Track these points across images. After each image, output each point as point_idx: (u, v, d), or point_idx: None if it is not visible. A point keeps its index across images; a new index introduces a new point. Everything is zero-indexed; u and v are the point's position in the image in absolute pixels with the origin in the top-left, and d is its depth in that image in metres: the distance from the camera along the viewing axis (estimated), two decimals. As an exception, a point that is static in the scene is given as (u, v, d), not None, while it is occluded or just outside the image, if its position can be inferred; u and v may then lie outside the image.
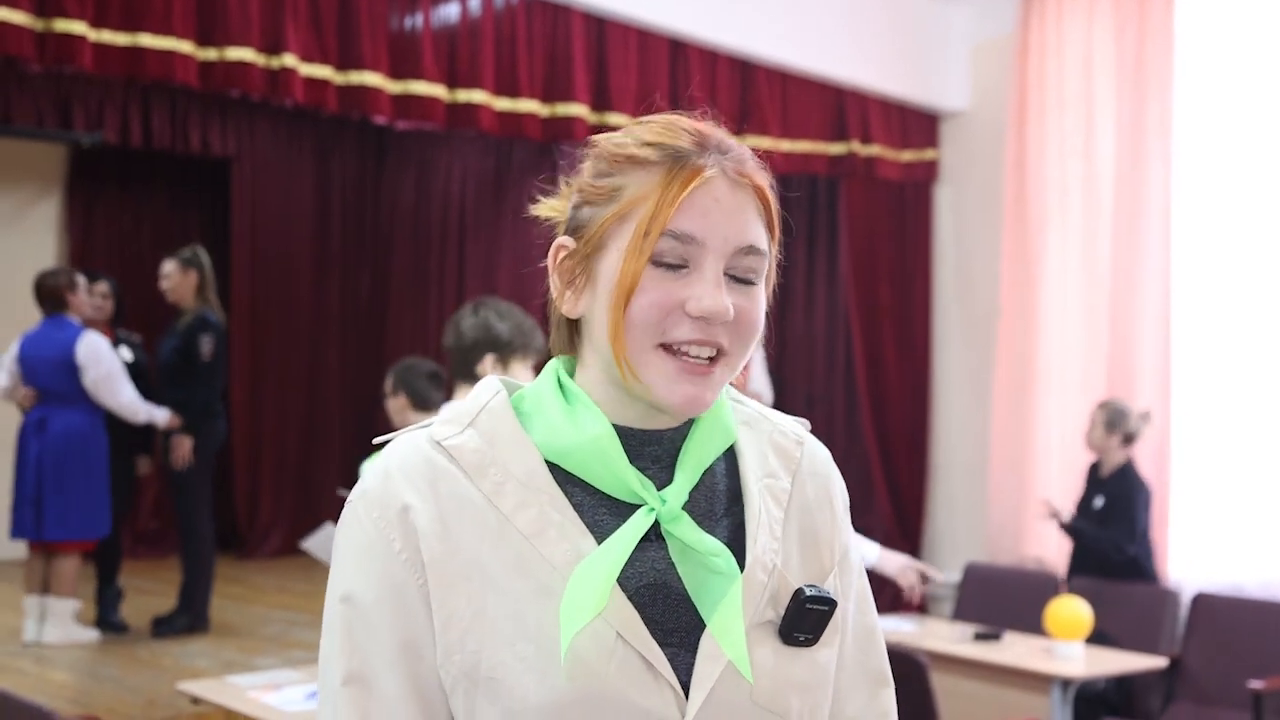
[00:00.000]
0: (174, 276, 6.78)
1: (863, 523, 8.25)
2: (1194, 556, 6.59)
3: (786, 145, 7.42)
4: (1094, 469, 6.17)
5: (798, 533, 1.31)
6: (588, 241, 1.26)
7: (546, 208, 1.36)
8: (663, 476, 1.26)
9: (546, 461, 1.24)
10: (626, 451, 1.24)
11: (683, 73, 6.89)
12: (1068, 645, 4.97)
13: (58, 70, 7.64)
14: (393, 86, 6.07)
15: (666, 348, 1.21)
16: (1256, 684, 5.04)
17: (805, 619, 1.25)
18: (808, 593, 1.25)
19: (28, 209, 9.65)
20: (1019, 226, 7.42)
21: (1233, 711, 5.38)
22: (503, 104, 6.35)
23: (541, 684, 1.16)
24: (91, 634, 6.58)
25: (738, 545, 1.27)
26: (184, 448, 6.68)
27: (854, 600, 1.37)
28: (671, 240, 1.21)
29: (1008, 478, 7.37)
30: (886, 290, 8.13)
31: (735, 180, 1.24)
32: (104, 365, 6.40)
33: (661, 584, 1.23)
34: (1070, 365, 7.14)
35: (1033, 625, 5.56)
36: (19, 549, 7.69)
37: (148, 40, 5.28)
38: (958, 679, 5.16)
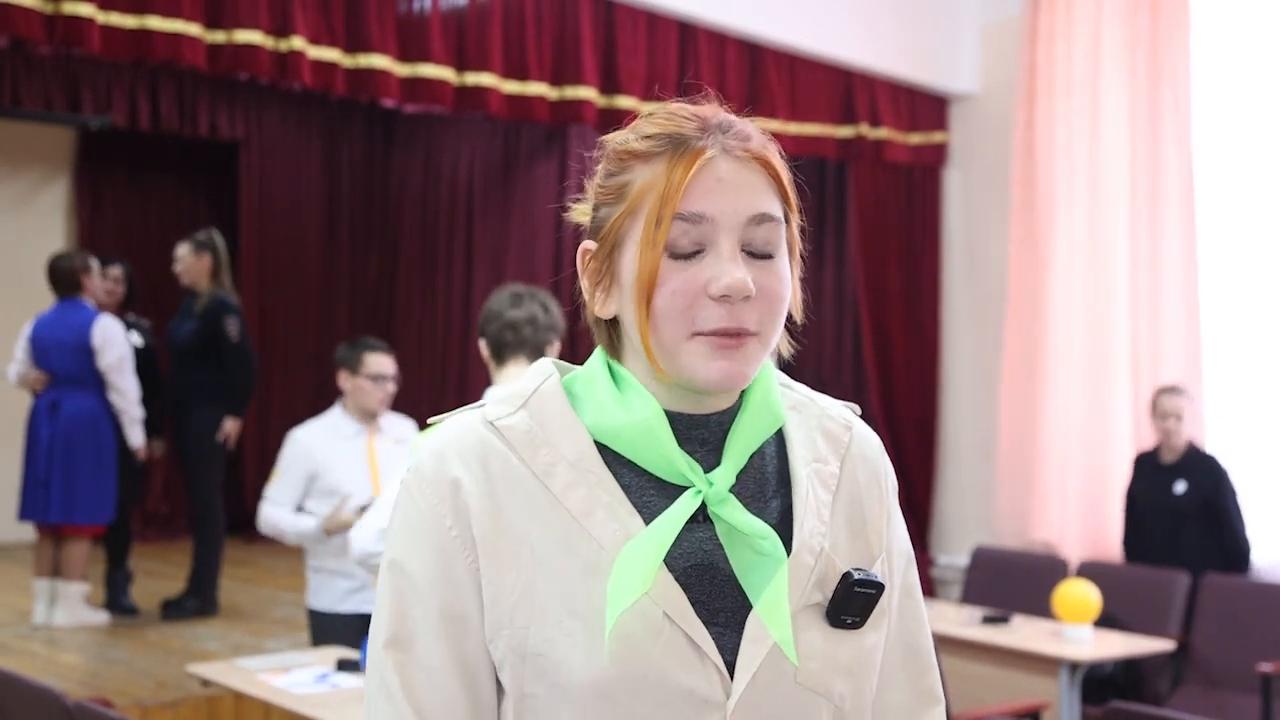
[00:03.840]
0: (186, 259, 6.79)
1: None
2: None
3: (795, 128, 7.40)
4: (1151, 456, 6.06)
5: (845, 517, 1.33)
6: (605, 241, 1.28)
7: (579, 213, 1.37)
8: (710, 459, 1.27)
9: (597, 443, 1.26)
10: (675, 434, 1.26)
11: (691, 56, 6.87)
12: (1076, 628, 4.97)
13: (66, 53, 7.66)
14: (401, 69, 6.06)
15: (698, 336, 1.22)
16: (1265, 667, 5.04)
17: (853, 602, 1.26)
18: (855, 576, 1.26)
19: (36, 192, 9.66)
20: (1027, 209, 7.40)
21: (1241, 694, 5.38)
22: (511, 87, 6.34)
23: (588, 661, 1.19)
24: (101, 616, 6.60)
25: (786, 528, 1.28)
26: (232, 428, 6.77)
27: (900, 586, 1.38)
28: (682, 224, 1.22)
29: (1015, 461, 7.36)
30: (895, 273, 8.12)
31: (739, 157, 1.25)
32: (119, 349, 6.47)
33: (708, 565, 1.24)
34: (1078, 348, 7.12)
35: (1041, 608, 5.56)
36: (28, 531, 7.71)
37: (156, 23, 5.28)
38: (966, 662, 5.17)
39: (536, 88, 6.38)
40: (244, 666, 4.12)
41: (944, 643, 5.06)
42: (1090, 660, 4.95)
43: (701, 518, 1.25)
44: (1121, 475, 6.76)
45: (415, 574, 1.24)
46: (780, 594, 1.22)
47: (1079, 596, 4.98)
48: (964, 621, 5.38)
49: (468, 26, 6.24)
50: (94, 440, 6.42)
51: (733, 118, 1.29)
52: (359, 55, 5.92)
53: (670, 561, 1.22)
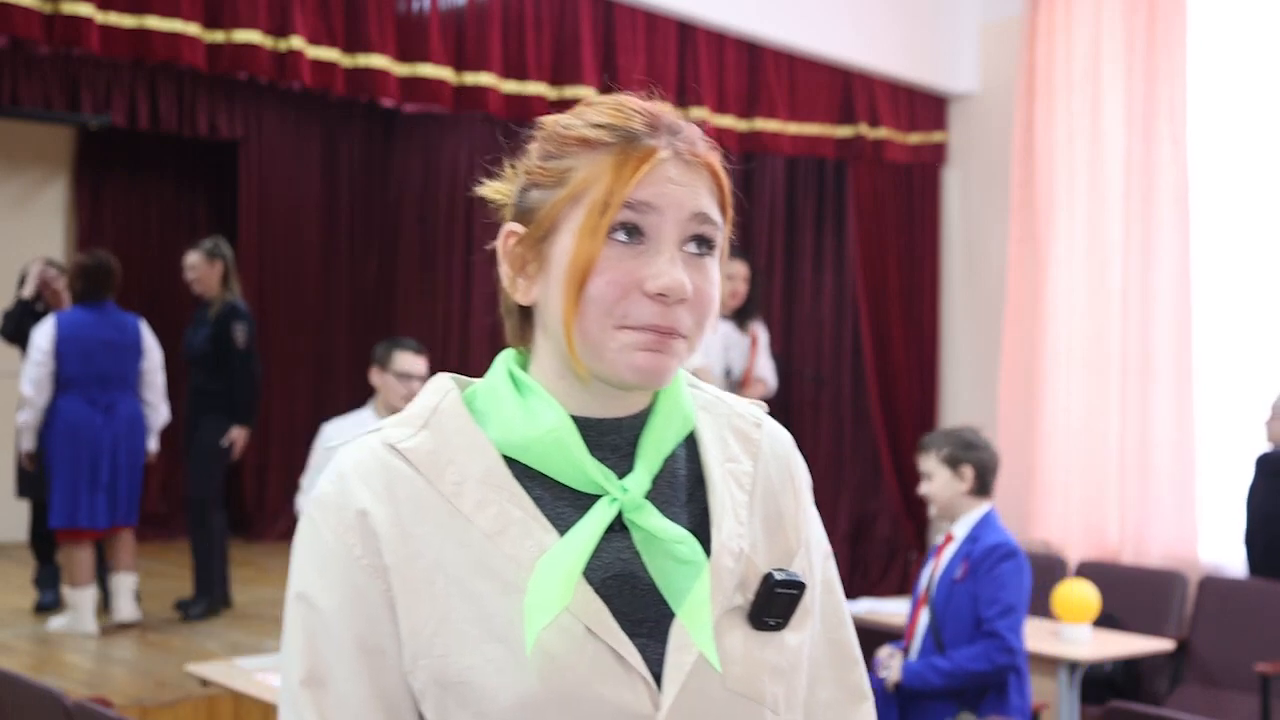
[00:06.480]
0: (200, 268, 6.76)
1: (870, 505, 8.26)
2: (1221, 541, 6.52)
3: (794, 128, 7.40)
4: (1274, 459, 5.85)
5: (762, 516, 1.30)
6: (538, 225, 1.24)
7: (492, 190, 1.35)
8: (623, 465, 1.24)
9: (505, 457, 1.22)
10: (585, 442, 1.22)
11: (690, 56, 6.87)
12: (1075, 628, 4.96)
13: (65, 52, 7.65)
14: (400, 69, 6.06)
15: (626, 329, 1.19)
16: (1264, 666, 5.05)
17: (775, 603, 1.23)
18: (777, 576, 1.24)
19: (35, 192, 9.66)
20: (1027, 209, 7.40)
21: (1240, 694, 5.38)
22: (510, 86, 6.34)
23: (513, 684, 1.15)
24: (137, 614, 6.61)
25: (703, 531, 1.25)
26: (241, 438, 6.81)
27: (820, 582, 1.36)
28: (629, 212, 1.19)
29: (1014, 460, 7.34)
30: (894, 273, 8.12)
31: (688, 161, 1.23)
32: (160, 351, 6.59)
33: (628, 574, 1.21)
34: (1076, 348, 7.13)
35: (1040, 608, 5.55)
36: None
37: (155, 22, 5.27)
38: (965, 662, 5.16)
39: (535, 87, 6.38)
40: (244, 666, 4.11)
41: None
42: (1090, 660, 4.95)
43: (619, 526, 1.21)
44: (1118, 475, 6.77)
45: (326, 608, 1.19)
46: (702, 599, 1.19)
47: (1078, 596, 4.98)
48: (963, 621, 5.37)
49: (467, 26, 6.24)
50: (141, 442, 6.50)
51: (680, 121, 1.26)
52: (358, 55, 5.92)
53: (589, 574, 1.18)
